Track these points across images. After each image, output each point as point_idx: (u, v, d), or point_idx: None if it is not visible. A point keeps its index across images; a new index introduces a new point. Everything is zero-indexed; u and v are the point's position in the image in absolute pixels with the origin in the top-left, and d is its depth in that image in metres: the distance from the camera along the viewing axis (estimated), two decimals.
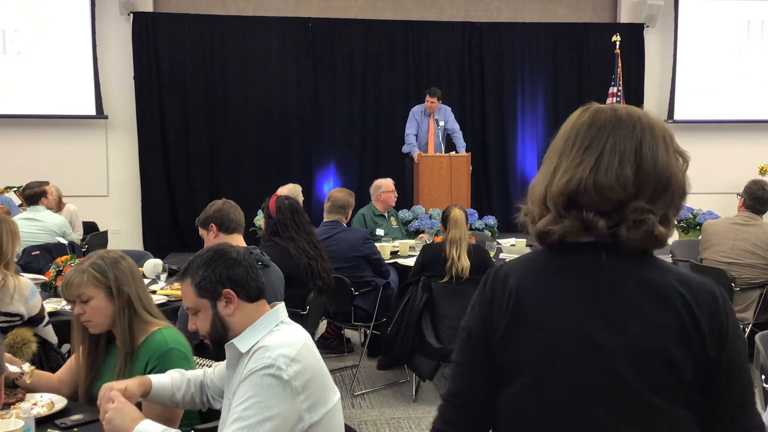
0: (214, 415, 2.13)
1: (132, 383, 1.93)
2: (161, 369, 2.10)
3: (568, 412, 1.19)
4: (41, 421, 2.00)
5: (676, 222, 7.17)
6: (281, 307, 1.93)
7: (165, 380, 2.02)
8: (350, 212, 4.96)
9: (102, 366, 2.25)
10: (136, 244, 8.39)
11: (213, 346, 1.91)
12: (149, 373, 2.11)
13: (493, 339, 1.25)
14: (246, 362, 1.78)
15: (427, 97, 7.61)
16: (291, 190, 5.40)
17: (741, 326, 4.87)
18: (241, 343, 1.83)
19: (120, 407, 1.81)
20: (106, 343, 2.27)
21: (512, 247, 5.33)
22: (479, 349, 1.27)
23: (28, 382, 2.19)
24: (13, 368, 2.17)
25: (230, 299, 1.85)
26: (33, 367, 2.21)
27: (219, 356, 2.07)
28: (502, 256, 5.14)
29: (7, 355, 2.22)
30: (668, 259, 5.85)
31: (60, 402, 2.14)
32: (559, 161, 1.25)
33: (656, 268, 1.23)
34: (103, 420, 1.82)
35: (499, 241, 5.73)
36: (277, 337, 1.80)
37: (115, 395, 1.84)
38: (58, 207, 6.55)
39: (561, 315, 1.21)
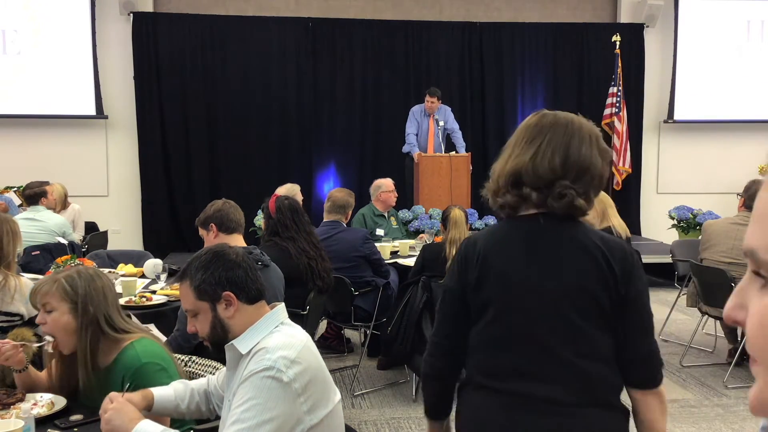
0: None
1: (134, 395, 1.93)
2: (137, 385, 2.05)
3: (520, 334, 1.63)
4: (41, 421, 2.01)
5: (676, 222, 7.22)
6: (281, 308, 1.92)
7: (168, 392, 2.01)
8: (350, 212, 4.95)
9: (77, 388, 2.20)
10: (136, 244, 8.39)
11: (212, 347, 1.90)
12: (127, 390, 2.06)
13: (467, 291, 1.68)
14: (246, 364, 1.78)
15: (427, 97, 7.61)
16: (289, 189, 5.39)
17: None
18: (241, 344, 1.82)
19: (119, 407, 1.81)
20: (73, 367, 2.18)
21: None
22: (457, 300, 1.71)
23: (50, 351, 2.17)
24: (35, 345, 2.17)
25: (230, 302, 1.83)
26: (54, 338, 2.17)
27: (218, 357, 2.07)
28: None
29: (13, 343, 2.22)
30: (668, 258, 5.85)
31: (60, 402, 2.13)
32: (512, 151, 1.67)
33: (582, 230, 1.66)
34: (102, 421, 1.82)
35: None
36: (277, 339, 1.80)
37: (114, 396, 1.84)
38: (64, 206, 6.56)
39: (514, 266, 1.65)
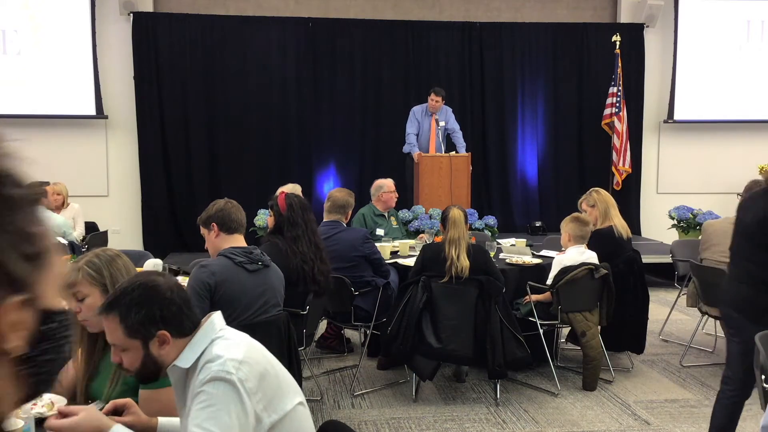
0: None
1: (143, 415, 1.91)
2: None
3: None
4: (41, 421, 2.00)
5: (676, 222, 7.24)
6: (216, 316, 1.86)
7: (175, 422, 1.98)
8: (350, 212, 4.95)
9: (99, 365, 2.25)
10: (136, 244, 8.39)
11: (140, 381, 1.85)
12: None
13: None
14: (196, 375, 1.74)
15: (432, 96, 7.59)
16: (290, 189, 5.39)
17: None
18: (182, 361, 1.78)
19: (91, 414, 1.79)
20: (104, 342, 2.26)
21: (512, 247, 5.33)
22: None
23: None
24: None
25: (164, 340, 1.78)
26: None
27: None
28: (501, 256, 5.14)
29: None
30: (668, 258, 5.84)
31: (60, 402, 2.13)
32: None
33: None
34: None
35: (499, 241, 5.73)
36: (220, 346, 1.76)
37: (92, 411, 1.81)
38: (63, 206, 6.64)
39: (742, 213, 3.23)
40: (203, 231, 3.45)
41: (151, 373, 1.81)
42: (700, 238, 5.19)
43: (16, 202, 0.73)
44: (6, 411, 0.70)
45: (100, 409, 1.91)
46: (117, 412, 1.90)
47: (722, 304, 3.43)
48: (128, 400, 1.93)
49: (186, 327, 1.80)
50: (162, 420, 1.97)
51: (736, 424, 3.42)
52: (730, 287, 3.32)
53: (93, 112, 8.54)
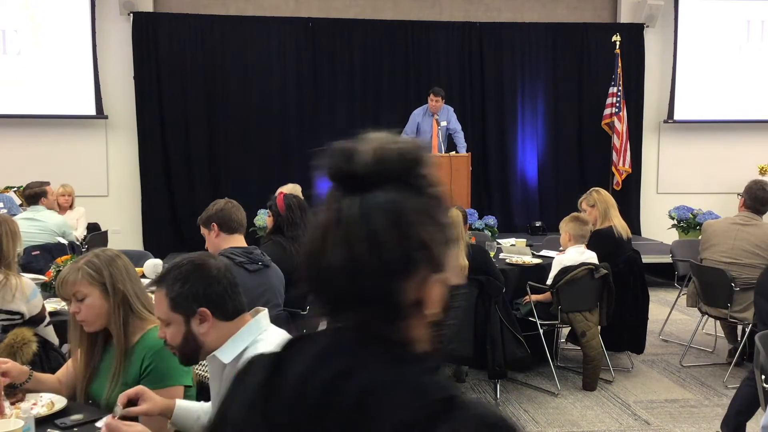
0: None
1: (157, 396, 1.91)
2: (156, 366, 2.09)
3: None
4: (41, 421, 2.00)
5: (676, 222, 7.25)
6: (263, 315, 1.87)
7: (193, 404, 1.99)
8: None
9: (99, 365, 2.25)
10: (136, 244, 8.38)
11: (181, 360, 1.86)
12: (145, 370, 2.10)
13: None
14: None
15: (432, 96, 7.59)
16: (291, 189, 5.38)
17: (741, 326, 4.87)
18: (223, 354, 1.78)
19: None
20: (104, 342, 2.26)
21: (512, 247, 5.33)
22: None
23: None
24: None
25: (205, 318, 1.79)
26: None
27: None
28: (501, 256, 5.14)
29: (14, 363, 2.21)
30: (668, 258, 5.84)
31: (60, 402, 2.13)
32: None
33: None
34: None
35: (499, 241, 5.73)
36: (264, 348, 1.74)
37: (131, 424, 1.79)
38: (70, 207, 6.71)
39: None
40: (203, 231, 3.45)
41: (192, 352, 1.82)
42: (700, 238, 5.19)
43: (438, 198, 0.94)
44: (425, 349, 0.88)
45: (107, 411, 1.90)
46: (131, 402, 1.89)
47: (761, 297, 3.42)
48: (140, 388, 1.91)
49: (229, 310, 1.82)
50: (179, 402, 1.97)
51: (751, 415, 3.38)
52: None
53: (93, 112, 8.54)
